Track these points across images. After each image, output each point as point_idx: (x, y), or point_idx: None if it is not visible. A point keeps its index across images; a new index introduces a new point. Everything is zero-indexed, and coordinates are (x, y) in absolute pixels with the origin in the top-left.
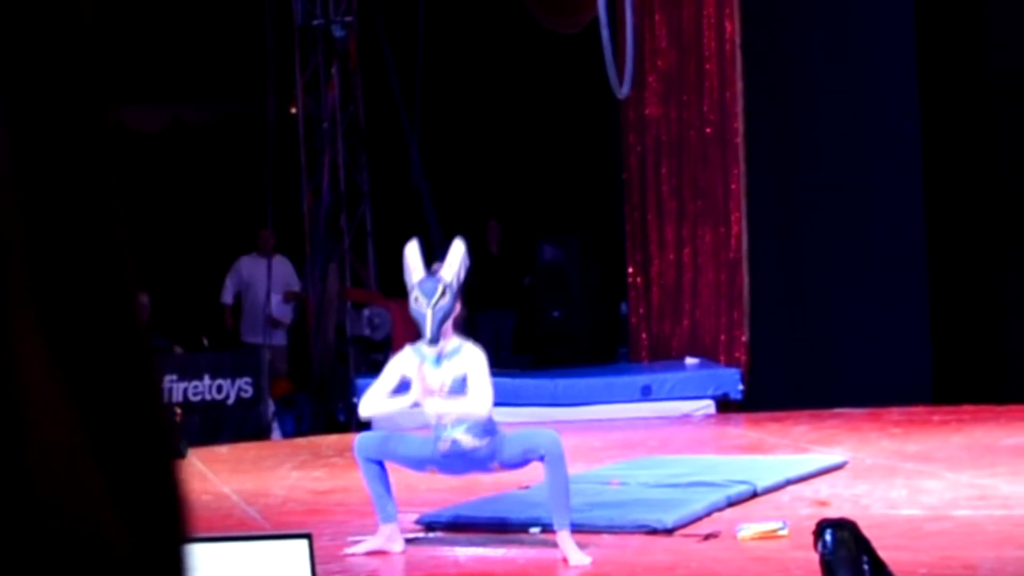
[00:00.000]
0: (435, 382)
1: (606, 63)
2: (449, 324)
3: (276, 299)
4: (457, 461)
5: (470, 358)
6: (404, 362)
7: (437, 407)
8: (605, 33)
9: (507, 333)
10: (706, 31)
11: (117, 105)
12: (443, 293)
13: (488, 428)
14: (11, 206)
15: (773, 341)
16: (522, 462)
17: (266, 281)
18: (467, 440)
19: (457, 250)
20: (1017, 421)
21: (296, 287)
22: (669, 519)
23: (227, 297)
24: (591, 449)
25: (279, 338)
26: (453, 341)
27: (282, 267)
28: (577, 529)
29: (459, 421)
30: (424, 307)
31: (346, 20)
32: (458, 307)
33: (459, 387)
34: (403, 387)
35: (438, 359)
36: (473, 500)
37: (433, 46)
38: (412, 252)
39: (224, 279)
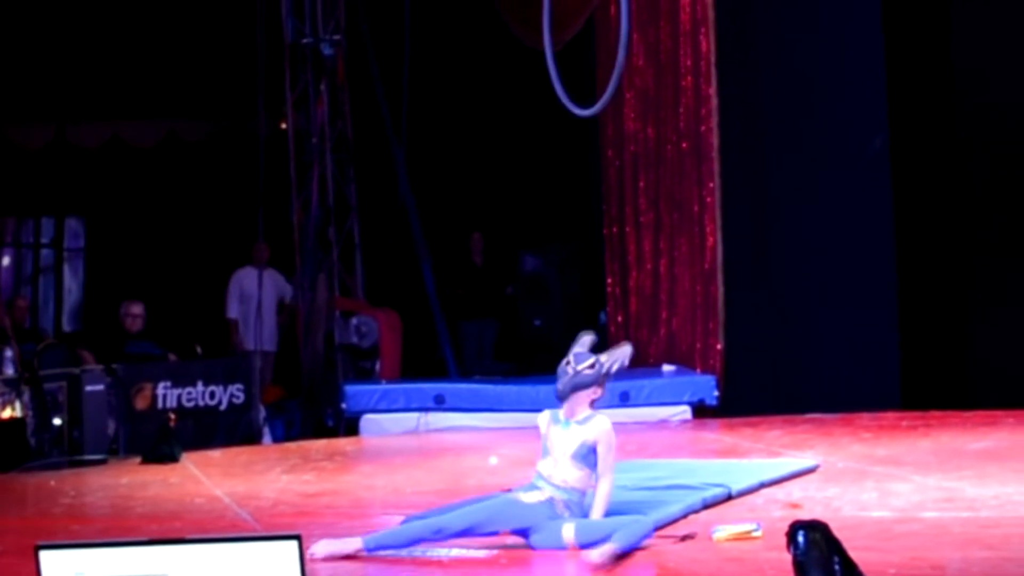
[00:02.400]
0: (559, 444)
1: (555, 86)
2: (584, 395)
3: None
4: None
5: (597, 428)
6: (540, 422)
7: (552, 468)
8: (549, 53)
9: (490, 341)
10: (682, 49)
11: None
12: (592, 365)
13: (582, 509)
14: None
15: (747, 349)
16: (601, 541)
17: (261, 292)
18: (559, 507)
19: (623, 351)
20: (983, 426)
21: (288, 297)
22: (649, 520)
23: (233, 312)
24: None
25: (270, 345)
26: (586, 411)
27: (274, 279)
28: None
29: (567, 490)
30: (569, 366)
31: (334, 38)
32: (599, 390)
33: (582, 454)
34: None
35: (567, 422)
36: (456, 503)
37: (419, 64)
38: (587, 339)
39: (225, 295)
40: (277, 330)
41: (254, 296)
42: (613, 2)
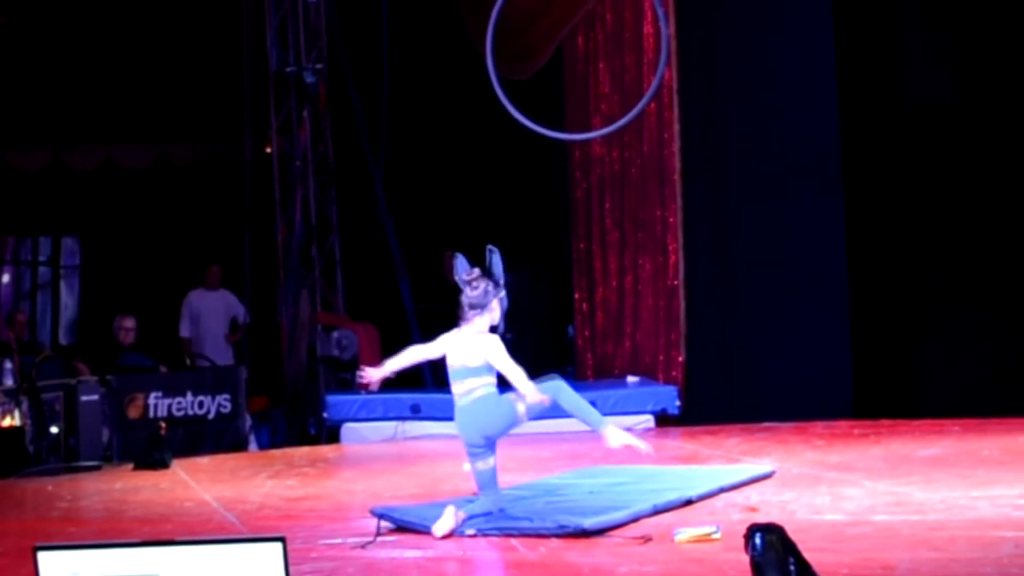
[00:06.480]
0: None
1: (521, 120)
2: None
3: (223, 332)
4: None
5: None
6: None
7: None
8: (495, 82)
9: None
10: (646, 77)
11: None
12: None
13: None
14: None
15: (708, 361)
16: None
17: (214, 312)
18: None
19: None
20: (930, 434)
21: (240, 316)
22: (587, 522)
23: (184, 331)
24: (541, 459)
25: (222, 360)
26: None
27: (226, 299)
28: (504, 533)
29: None
30: None
31: (317, 67)
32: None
33: None
34: None
35: None
36: (427, 503)
37: (397, 91)
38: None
39: (179, 314)
40: (229, 347)
41: (204, 316)
42: (581, 33)
